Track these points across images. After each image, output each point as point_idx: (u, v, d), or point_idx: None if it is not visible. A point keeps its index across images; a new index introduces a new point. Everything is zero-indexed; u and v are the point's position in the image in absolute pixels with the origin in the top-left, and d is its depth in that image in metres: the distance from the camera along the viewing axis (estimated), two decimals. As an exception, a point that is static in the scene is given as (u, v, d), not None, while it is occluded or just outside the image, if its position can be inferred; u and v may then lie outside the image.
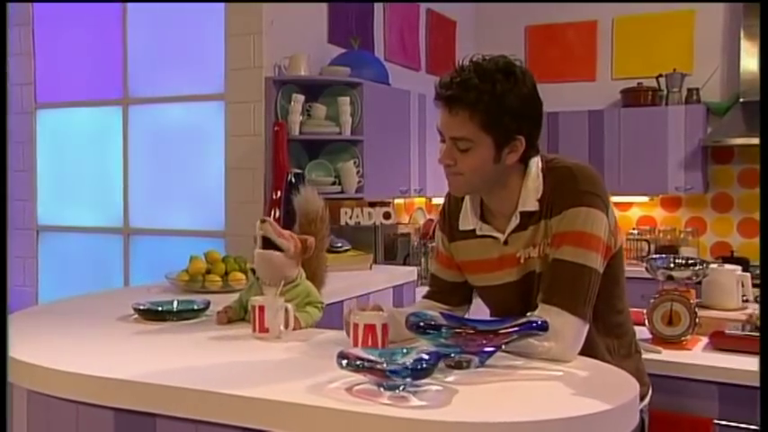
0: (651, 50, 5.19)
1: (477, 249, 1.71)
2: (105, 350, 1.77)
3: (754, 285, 2.49)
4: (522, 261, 1.64)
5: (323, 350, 1.66)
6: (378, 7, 4.52)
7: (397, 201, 4.39)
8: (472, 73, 1.55)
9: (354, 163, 3.75)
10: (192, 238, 3.94)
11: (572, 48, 5.45)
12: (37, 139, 4.48)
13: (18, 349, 1.67)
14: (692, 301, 2.12)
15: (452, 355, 1.37)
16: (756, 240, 4.96)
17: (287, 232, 1.96)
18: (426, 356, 1.28)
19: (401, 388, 1.27)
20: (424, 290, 1.91)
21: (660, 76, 5.04)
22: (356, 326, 1.55)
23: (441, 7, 5.22)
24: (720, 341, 2.09)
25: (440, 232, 1.83)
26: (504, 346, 1.43)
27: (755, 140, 4.63)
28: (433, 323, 1.46)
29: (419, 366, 1.24)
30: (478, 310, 1.81)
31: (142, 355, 1.71)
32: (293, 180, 3.36)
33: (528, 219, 1.62)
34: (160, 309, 2.10)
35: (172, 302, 2.15)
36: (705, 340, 2.15)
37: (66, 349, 1.76)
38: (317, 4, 4.04)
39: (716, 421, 1.95)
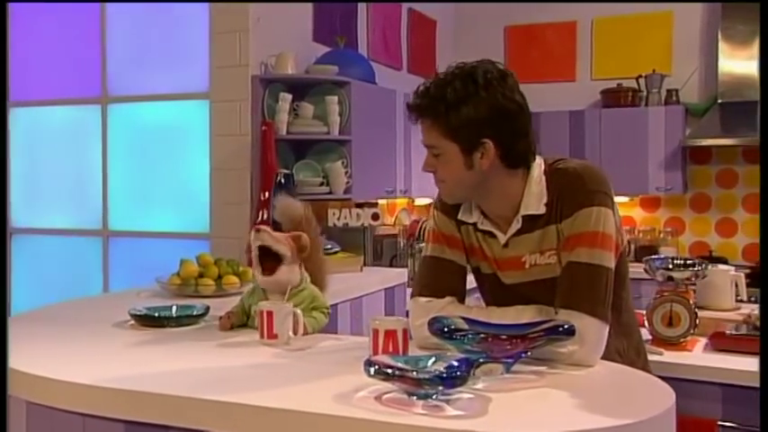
0: (630, 51, 5.22)
1: (480, 239, 1.68)
2: (107, 358, 1.70)
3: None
4: (527, 266, 1.61)
5: (338, 357, 1.62)
6: (361, 6, 4.48)
7: (380, 201, 4.36)
8: (431, 83, 1.57)
9: (342, 163, 3.69)
10: (175, 240, 3.85)
11: (552, 48, 5.46)
12: (9, 138, 4.34)
13: (14, 359, 1.59)
14: (691, 302, 2.12)
15: (480, 360, 1.34)
16: (733, 240, 5.04)
17: (281, 235, 1.89)
18: (456, 363, 1.25)
19: (433, 397, 1.23)
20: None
21: (640, 76, 5.07)
22: (376, 332, 1.50)
23: (421, 7, 5.19)
24: (721, 342, 2.10)
25: (444, 217, 1.71)
26: (530, 352, 1.41)
27: (731, 141, 4.73)
28: (453, 327, 1.44)
29: (454, 374, 1.21)
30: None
31: (149, 363, 1.64)
32: (282, 181, 3.30)
33: (533, 223, 1.60)
34: (157, 315, 2.02)
35: (170, 308, 2.08)
36: (704, 341, 2.15)
37: (66, 358, 1.68)
38: (303, 3, 3.98)
39: (720, 422, 1.95)
